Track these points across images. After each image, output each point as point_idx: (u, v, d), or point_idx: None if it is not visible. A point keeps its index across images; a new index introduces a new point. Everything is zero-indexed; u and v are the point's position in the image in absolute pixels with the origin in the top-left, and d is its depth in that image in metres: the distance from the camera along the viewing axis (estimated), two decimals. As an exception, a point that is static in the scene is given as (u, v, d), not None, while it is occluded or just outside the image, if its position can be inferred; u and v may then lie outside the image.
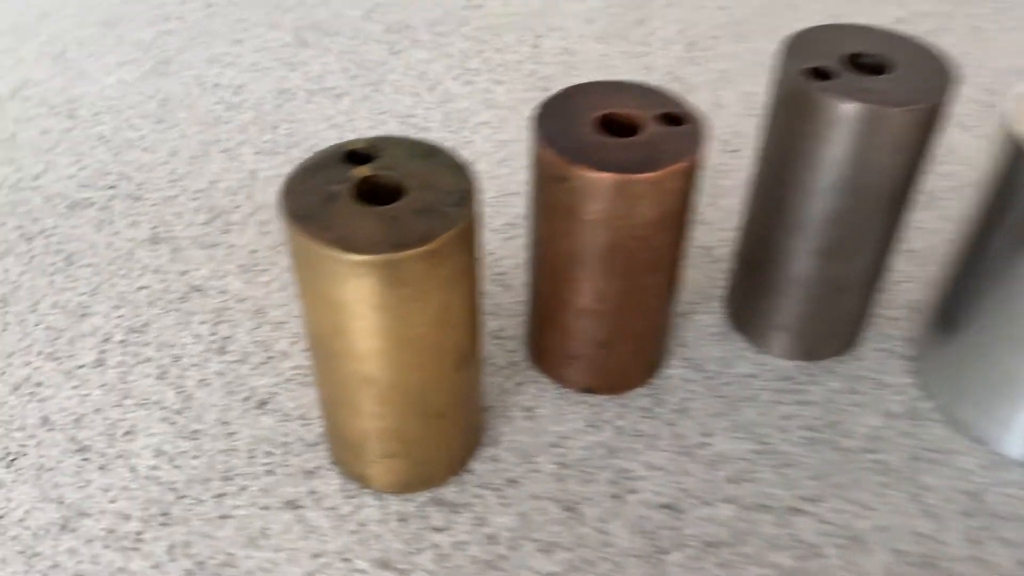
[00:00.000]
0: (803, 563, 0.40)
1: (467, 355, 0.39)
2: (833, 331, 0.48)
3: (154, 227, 0.57)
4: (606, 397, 0.47)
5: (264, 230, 0.57)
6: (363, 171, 0.37)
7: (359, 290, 0.34)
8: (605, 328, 0.44)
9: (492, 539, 0.41)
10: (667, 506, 0.42)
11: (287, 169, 0.61)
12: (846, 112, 0.40)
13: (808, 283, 0.46)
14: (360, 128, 0.65)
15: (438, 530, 0.41)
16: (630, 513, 0.42)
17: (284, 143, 0.64)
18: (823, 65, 0.41)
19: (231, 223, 0.57)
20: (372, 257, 0.33)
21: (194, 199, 0.59)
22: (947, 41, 0.78)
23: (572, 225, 0.41)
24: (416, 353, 0.37)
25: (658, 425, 0.46)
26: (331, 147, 0.38)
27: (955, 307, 0.45)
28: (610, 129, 0.42)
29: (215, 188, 0.60)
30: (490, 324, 0.51)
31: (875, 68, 0.43)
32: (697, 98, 0.69)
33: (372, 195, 0.37)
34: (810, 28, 0.44)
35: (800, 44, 0.43)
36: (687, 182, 0.40)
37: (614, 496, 0.43)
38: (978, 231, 0.43)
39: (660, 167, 0.39)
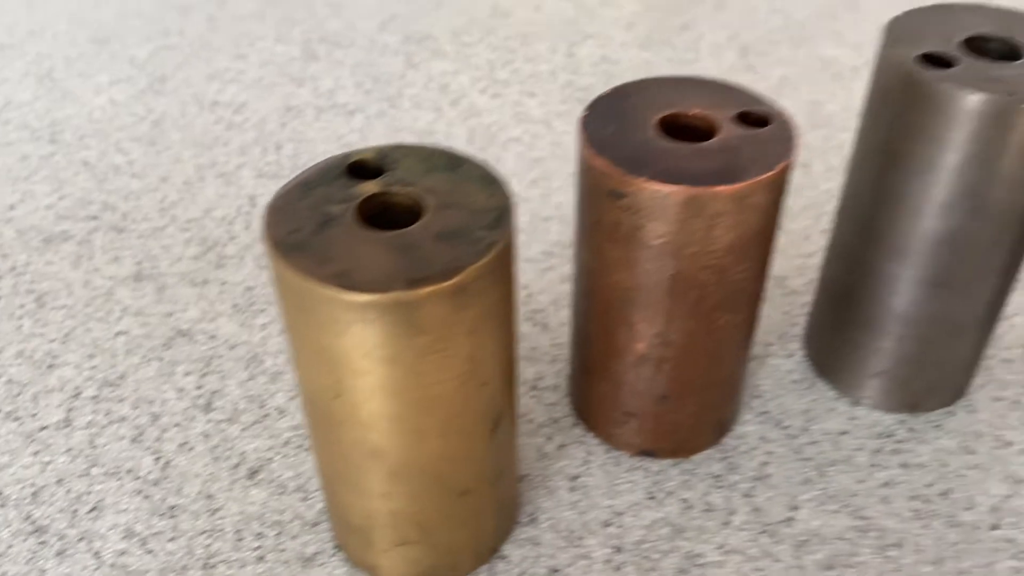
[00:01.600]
0: None
1: (500, 417, 0.31)
2: (942, 378, 0.40)
3: (138, 262, 0.50)
4: (669, 462, 0.39)
5: (263, 264, 0.49)
6: (371, 187, 0.29)
7: (364, 339, 0.26)
8: (668, 378, 0.36)
9: (534, 646, 0.33)
10: (752, 602, 0.34)
11: (291, 194, 0.54)
12: (972, 105, 0.32)
13: (914, 320, 0.38)
14: (378, 145, 0.58)
15: (467, 635, 0.33)
16: (706, 611, 0.34)
17: (288, 165, 0.57)
18: (939, 51, 0.34)
19: (225, 256, 0.50)
20: (380, 297, 0.25)
21: (185, 230, 0.52)
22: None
23: (631, 252, 0.33)
24: (437, 418, 0.29)
25: (733, 497, 0.38)
26: (332, 158, 0.30)
27: (1100, 348, 0.37)
28: (677, 133, 0.34)
29: (209, 217, 0.53)
30: (526, 372, 0.43)
31: (1004, 54, 0.34)
32: (753, 109, 0.61)
33: (382, 217, 0.29)
34: (918, 8, 0.36)
35: (907, 26, 0.35)
36: (775, 196, 0.32)
37: (684, 588, 0.35)
38: None
39: (742, 178, 0.31)
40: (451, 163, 0.30)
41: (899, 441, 0.40)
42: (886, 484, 0.38)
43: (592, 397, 0.39)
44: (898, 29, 0.35)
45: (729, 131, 0.33)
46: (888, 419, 0.41)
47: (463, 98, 0.63)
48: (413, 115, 0.61)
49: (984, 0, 0.73)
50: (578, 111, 0.61)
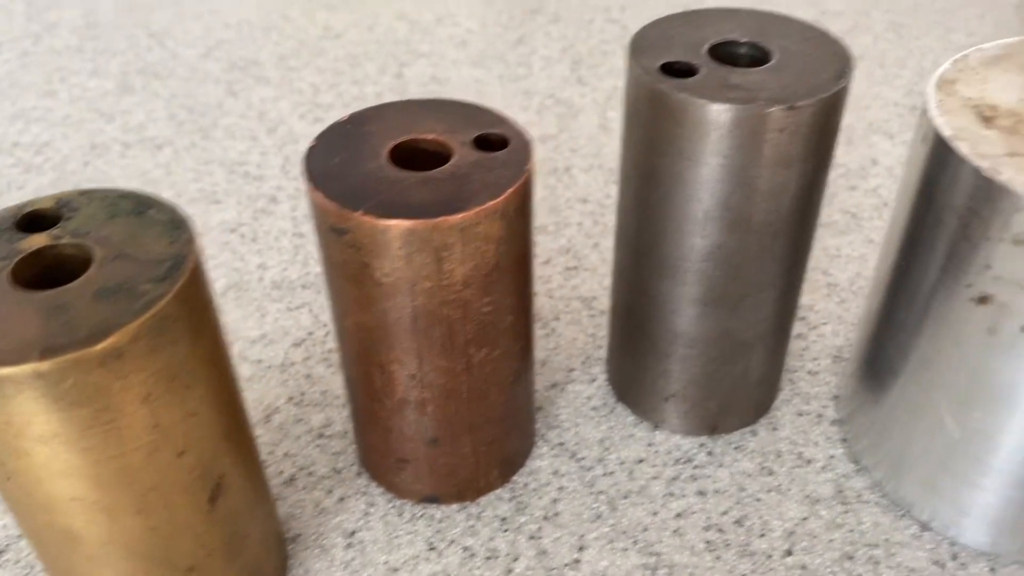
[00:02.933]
0: None
1: (221, 483, 0.28)
2: (737, 397, 0.38)
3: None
4: (455, 507, 0.37)
5: None
6: (37, 241, 0.26)
7: (12, 417, 0.23)
8: (434, 420, 0.34)
9: None
10: (525, 658, 0.32)
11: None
12: (712, 115, 0.30)
13: (694, 339, 0.36)
14: (180, 182, 0.55)
15: None
16: (475, 673, 0.31)
17: (84, 207, 0.53)
18: (682, 60, 0.32)
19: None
20: (14, 370, 0.22)
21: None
22: (863, 41, 0.69)
23: (365, 291, 0.30)
24: (127, 495, 0.26)
25: (519, 540, 0.35)
26: (3, 211, 0.27)
27: (882, 353, 0.35)
28: (410, 161, 0.32)
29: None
30: (313, 419, 0.40)
31: (750, 60, 0.33)
32: (582, 121, 0.59)
33: (47, 275, 0.26)
34: (665, 17, 0.35)
35: (652, 36, 0.33)
36: (510, 223, 0.30)
37: (456, 648, 0.32)
38: (900, 252, 0.33)
39: (468, 207, 0.28)
40: (138, 207, 0.27)
41: (697, 467, 0.38)
42: (680, 515, 0.36)
43: (367, 444, 0.36)
44: (644, 39, 0.33)
45: (464, 156, 0.31)
46: (687, 443, 0.39)
47: (281, 125, 0.60)
48: (225, 145, 0.58)
49: (736, 4, 0.72)
50: (401, 133, 0.59)
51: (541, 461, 0.38)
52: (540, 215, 0.52)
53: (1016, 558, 0.34)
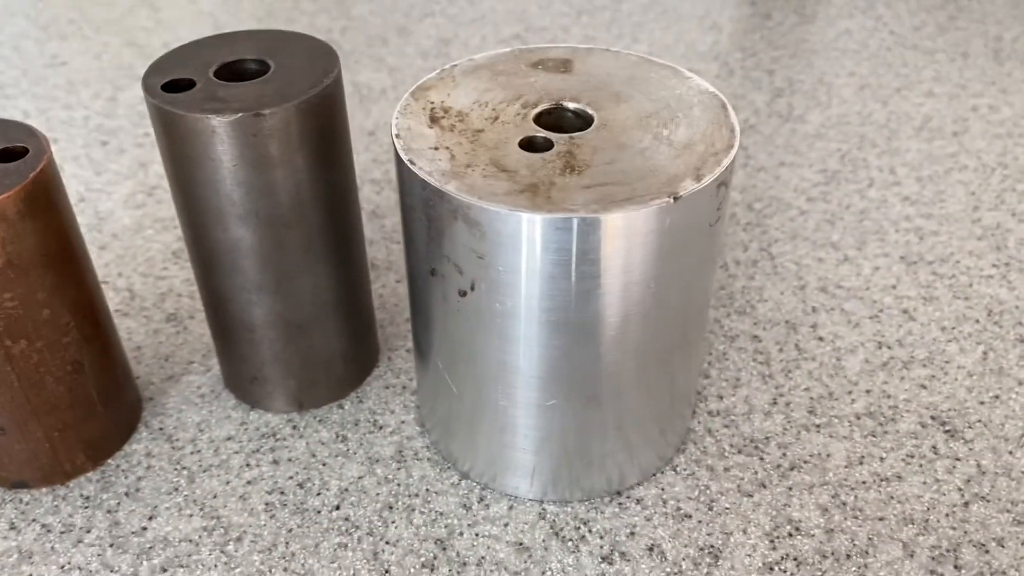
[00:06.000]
0: (213, 661, 0.34)
1: None
2: (314, 374, 0.43)
3: None
4: (45, 490, 0.40)
5: None
6: None
7: None
8: (-5, 410, 0.37)
9: None
10: (69, 615, 0.35)
11: None
12: (205, 126, 0.34)
13: (255, 325, 0.40)
14: None
15: None
16: (18, 632, 0.35)
17: None
18: (182, 77, 0.36)
19: None
20: None
21: None
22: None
23: None
24: None
25: (96, 515, 0.39)
26: None
27: (416, 338, 0.40)
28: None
29: None
30: (-66, 420, 0.43)
31: (250, 74, 0.38)
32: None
33: None
34: (183, 45, 0.39)
35: (166, 61, 0.38)
36: (15, 225, 0.33)
37: (10, 613, 0.35)
38: (407, 259, 0.38)
39: (-37, 213, 0.32)
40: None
41: (279, 440, 0.42)
42: (250, 483, 0.40)
43: (-46, 438, 0.40)
44: (158, 64, 0.37)
45: (-19, 168, 0.34)
46: (276, 420, 0.43)
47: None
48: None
49: (254, 29, 0.78)
50: (98, 153, 0.62)
51: (138, 445, 0.42)
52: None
53: (530, 496, 0.39)
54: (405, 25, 0.81)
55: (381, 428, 0.43)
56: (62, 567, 0.37)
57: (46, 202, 0.35)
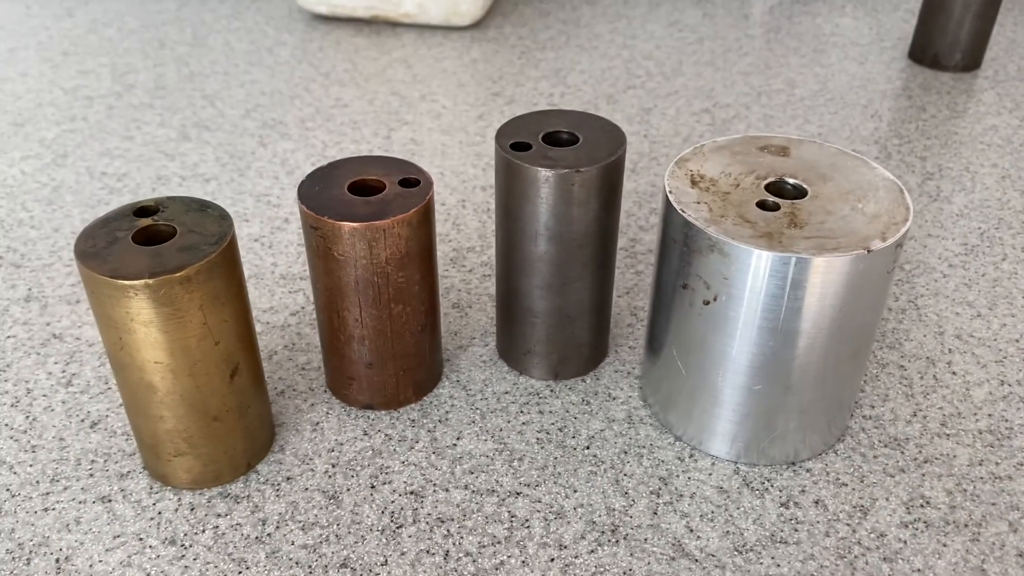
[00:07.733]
0: (512, 532, 0.50)
1: (238, 367, 0.49)
2: (570, 354, 0.59)
3: (29, 288, 0.67)
4: (383, 412, 0.57)
5: (122, 289, 0.67)
6: (146, 222, 0.48)
7: (129, 310, 0.45)
8: (369, 350, 0.55)
9: (263, 521, 0.50)
10: (412, 492, 0.52)
11: (151, 240, 0.72)
12: (539, 176, 0.51)
13: (540, 313, 0.57)
14: (221, 205, 0.77)
15: (220, 515, 0.51)
16: (380, 499, 0.52)
17: (153, 219, 0.75)
18: (522, 140, 0.53)
19: (94, 283, 0.68)
20: (136, 282, 0.44)
21: (67, 266, 0.70)
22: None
23: (327, 264, 0.52)
24: (185, 363, 0.47)
25: (420, 432, 0.56)
26: (124, 205, 0.49)
27: (653, 330, 0.56)
28: (361, 191, 0.53)
29: (86, 256, 0.71)
30: (299, 359, 0.61)
31: (566, 142, 0.54)
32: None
33: (150, 240, 0.48)
34: (519, 116, 0.56)
35: (509, 127, 0.55)
36: (416, 228, 0.51)
37: (372, 487, 0.52)
38: (656, 267, 0.54)
39: (388, 217, 0.50)
40: (201, 207, 0.49)
41: (542, 398, 0.58)
42: (524, 423, 0.57)
43: (331, 368, 0.57)
44: (504, 128, 0.55)
45: (392, 189, 0.52)
46: (538, 384, 0.59)
47: (297, 169, 0.82)
48: (255, 182, 0.80)
49: (562, 107, 0.94)
50: (382, 179, 0.81)
51: (443, 390, 0.59)
52: (471, 238, 0.73)
53: (728, 458, 0.54)
54: (612, 94, 0.98)
55: (614, 399, 0.58)
56: (402, 462, 0.54)
57: (428, 217, 0.52)
